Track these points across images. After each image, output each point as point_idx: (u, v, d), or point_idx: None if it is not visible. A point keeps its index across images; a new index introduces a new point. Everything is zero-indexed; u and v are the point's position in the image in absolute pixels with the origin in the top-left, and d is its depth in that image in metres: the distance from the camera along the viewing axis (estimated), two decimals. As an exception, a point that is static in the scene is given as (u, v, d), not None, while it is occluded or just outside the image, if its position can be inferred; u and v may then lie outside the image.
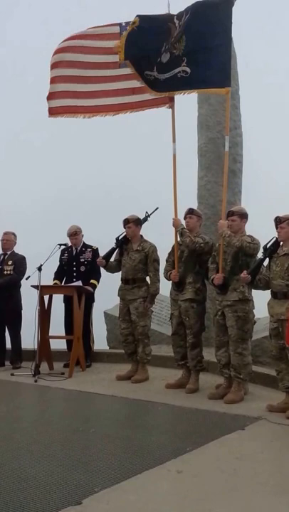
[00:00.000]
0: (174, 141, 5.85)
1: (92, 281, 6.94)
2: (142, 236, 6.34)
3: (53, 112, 6.28)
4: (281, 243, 4.90)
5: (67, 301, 6.96)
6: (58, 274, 7.18)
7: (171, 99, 5.86)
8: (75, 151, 14.68)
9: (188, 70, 5.37)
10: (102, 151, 14.15)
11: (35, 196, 14.30)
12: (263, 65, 13.48)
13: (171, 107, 5.88)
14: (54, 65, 6.21)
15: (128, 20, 5.75)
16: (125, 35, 5.60)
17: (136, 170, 13.70)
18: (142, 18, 5.63)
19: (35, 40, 14.09)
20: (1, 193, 14.11)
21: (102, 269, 6.63)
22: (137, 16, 5.64)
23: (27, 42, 14.94)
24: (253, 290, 5.26)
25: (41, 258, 6.64)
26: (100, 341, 7.60)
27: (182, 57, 5.40)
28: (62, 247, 7.01)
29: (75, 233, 7.09)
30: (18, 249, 7.35)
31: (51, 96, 6.25)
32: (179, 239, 5.78)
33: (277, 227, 4.86)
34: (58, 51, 6.19)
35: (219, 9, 5.25)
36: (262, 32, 14.37)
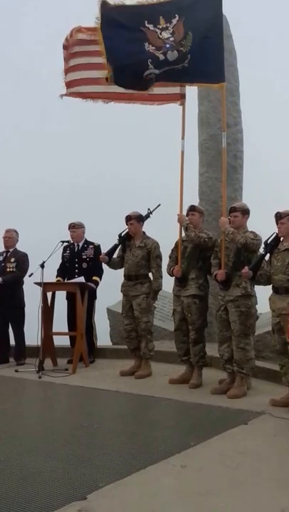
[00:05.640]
0: (182, 137, 5.81)
1: (94, 277, 6.96)
2: (144, 232, 6.36)
3: (69, 95, 6.10)
4: (281, 239, 4.92)
5: (70, 298, 6.98)
6: (61, 271, 7.18)
7: (183, 96, 5.84)
8: (77, 146, 14.64)
9: (186, 65, 5.33)
10: (102, 149, 14.12)
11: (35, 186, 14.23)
12: (263, 61, 13.45)
13: (182, 104, 5.86)
14: (70, 56, 6.05)
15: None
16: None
17: (136, 167, 13.69)
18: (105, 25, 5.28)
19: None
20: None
21: (104, 266, 6.66)
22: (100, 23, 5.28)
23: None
24: (256, 286, 5.29)
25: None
26: (103, 337, 7.63)
27: (187, 55, 5.31)
28: (65, 243, 7.03)
29: (73, 225, 7.10)
30: (20, 245, 7.39)
31: (69, 84, 6.07)
32: (183, 234, 5.80)
33: (277, 223, 4.89)
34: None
35: (209, 5, 5.24)
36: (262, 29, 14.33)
